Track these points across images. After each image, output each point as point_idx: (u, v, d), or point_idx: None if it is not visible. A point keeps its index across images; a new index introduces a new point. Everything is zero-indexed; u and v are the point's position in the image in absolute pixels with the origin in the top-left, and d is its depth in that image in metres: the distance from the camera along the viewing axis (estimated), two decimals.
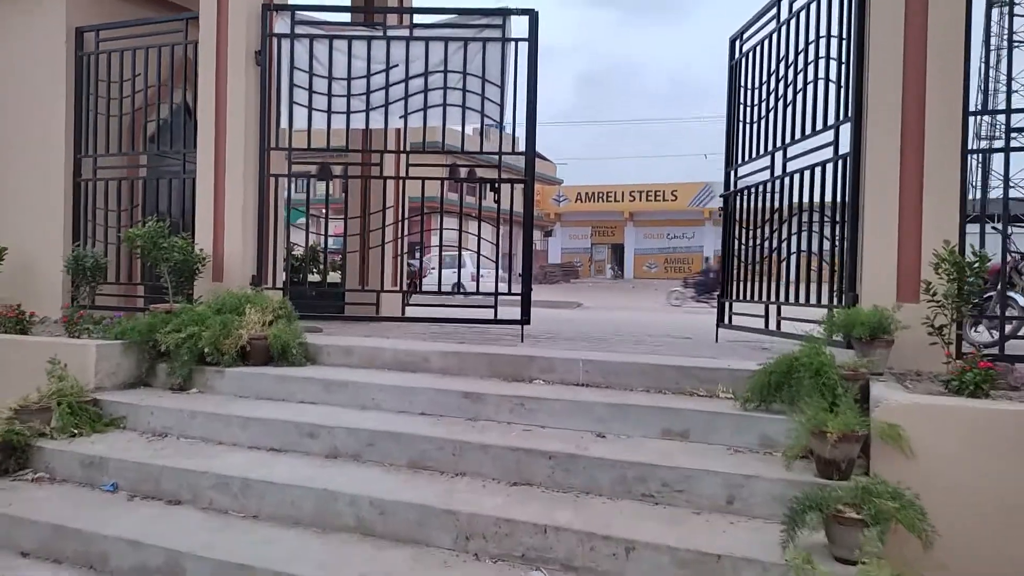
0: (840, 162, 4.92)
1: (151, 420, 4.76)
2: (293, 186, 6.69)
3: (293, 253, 8.87)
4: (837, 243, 4.97)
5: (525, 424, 4.24)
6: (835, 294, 5.00)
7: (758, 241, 6.17)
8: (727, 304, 6.72)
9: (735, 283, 6.59)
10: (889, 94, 4.51)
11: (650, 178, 44.91)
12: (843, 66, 4.93)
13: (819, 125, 5.21)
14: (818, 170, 5.23)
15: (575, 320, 10.64)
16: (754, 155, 6.24)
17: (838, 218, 4.97)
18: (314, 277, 7.90)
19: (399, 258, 7.15)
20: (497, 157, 6.37)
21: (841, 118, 4.95)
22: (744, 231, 6.38)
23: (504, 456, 3.82)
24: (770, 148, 5.90)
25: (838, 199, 4.95)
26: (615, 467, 3.60)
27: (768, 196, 5.91)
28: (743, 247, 6.43)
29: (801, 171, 5.41)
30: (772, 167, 5.87)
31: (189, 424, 4.64)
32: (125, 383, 5.32)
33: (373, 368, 5.23)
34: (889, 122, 4.51)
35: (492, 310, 6.28)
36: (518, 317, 6.18)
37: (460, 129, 6.28)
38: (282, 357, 5.24)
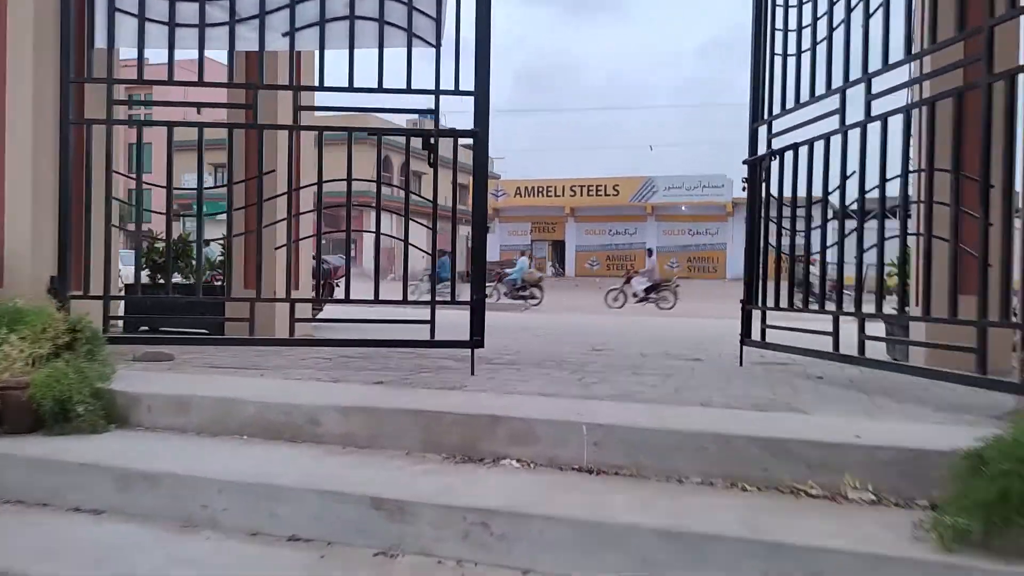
0: (1005, 83, 2.95)
1: None
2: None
3: (155, 247, 6.65)
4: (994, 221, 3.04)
5: (494, 570, 2.16)
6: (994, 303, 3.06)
7: (815, 224, 4.26)
8: (755, 314, 4.80)
9: (768, 285, 4.68)
10: None
11: (591, 173, 43.67)
12: None
13: (946, 33, 3.28)
14: (941, 106, 3.32)
15: (532, 328, 8.58)
16: (804, 98, 4.32)
17: (994, 181, 3.04)
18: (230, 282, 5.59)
19: (292, 250, 4.93)
20: (431, 99, 4.25)
21: (997, 15, 3.03)
22: (790, 211, 4.45)
23: None
24: (839, 83, 3.96)
25: (999, 149, 3.01)
26: None
27: (838, 154, 3.93)
28: (788, 233, 4.51)
29: (907, 110, 3.47)
30: (843, 110, 3.94)
31: None
32: None
33: (224, 435, 3.06)
34: None
35: (428, 326, 4.16)
36: (464, 336, 4.09)
37: (377, 55, 4.12)
38: (61, 418, 3.02)
